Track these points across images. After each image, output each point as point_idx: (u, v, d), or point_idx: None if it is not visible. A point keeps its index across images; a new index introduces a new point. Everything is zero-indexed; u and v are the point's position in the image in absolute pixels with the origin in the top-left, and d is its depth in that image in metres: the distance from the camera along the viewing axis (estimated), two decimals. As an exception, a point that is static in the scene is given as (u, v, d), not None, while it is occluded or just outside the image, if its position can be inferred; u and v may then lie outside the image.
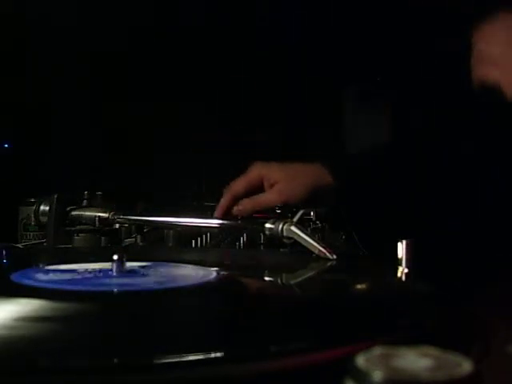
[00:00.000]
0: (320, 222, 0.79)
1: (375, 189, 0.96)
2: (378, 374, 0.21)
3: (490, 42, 0.80)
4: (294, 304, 0.40)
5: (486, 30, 0.81)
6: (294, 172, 0.93)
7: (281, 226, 0.59)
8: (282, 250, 0.65)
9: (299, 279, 0.51)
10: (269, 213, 0.88)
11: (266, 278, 0.51)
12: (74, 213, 0.75)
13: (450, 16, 0.95)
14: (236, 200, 0.87)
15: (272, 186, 0.90)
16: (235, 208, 0.82)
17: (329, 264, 0.54)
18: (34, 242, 0.85)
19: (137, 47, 1.49)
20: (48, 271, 0.46)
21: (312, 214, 0.79)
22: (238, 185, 0.89)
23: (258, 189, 0.89)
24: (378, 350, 0.22)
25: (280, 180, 0.90)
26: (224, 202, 0.86)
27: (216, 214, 0.82)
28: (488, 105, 0.87)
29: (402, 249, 0.48)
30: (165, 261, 0.54)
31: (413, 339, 0.24)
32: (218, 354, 0.26)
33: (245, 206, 0.84)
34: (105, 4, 1.44)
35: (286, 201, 0.88)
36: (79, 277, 0.43)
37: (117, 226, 0.75)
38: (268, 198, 0.87)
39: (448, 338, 0.31)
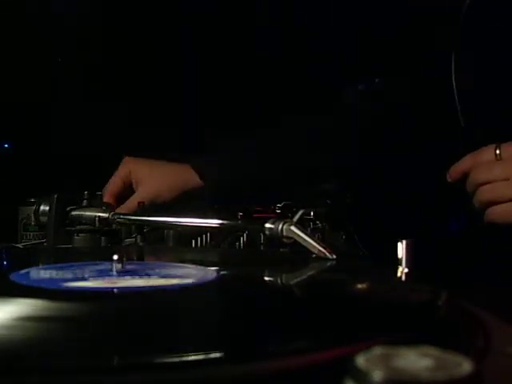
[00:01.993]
0: (320, 222, 0.79)
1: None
2: (377, 374, 0.21)
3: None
4: (293, 304, 0.40)
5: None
6: (161, 171, 0.98)
7: (281, 226, 0.59)
8: (281, 249, 0.65)
9: (299, 279, 0.51)
10: (269, 213, 0.88)
11: (266, 278, 0.51)
12: (73, 213, 0.75)
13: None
14: (118, 198, 0.92)
15: (137, 182, 0.95)
16: None
17: (329, 264, 0.54)
18: (34, 241, 0.85)
19: (137, 47, 1.49)
20: (48, 271, 0.46)
21: (312, 213, 0.79)
22: (114, 185, 0.94)
23: (131, 183, 0.95)
24: (378, 350, 0.22)
25: (144, 177, 0.95)
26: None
27: None
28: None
29: (401, 249, 0.48)
30: (165, 261, 0.54)
31: (413, 339, 0.24)
32: (218, 354, 0.26)
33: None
34: (104, 3, 1.44)
35: (152, 200, 0.92)
36: (79, 277, 0.43)
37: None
38: (136, 199, 0.91)
39: (448, 337, 0.31)
